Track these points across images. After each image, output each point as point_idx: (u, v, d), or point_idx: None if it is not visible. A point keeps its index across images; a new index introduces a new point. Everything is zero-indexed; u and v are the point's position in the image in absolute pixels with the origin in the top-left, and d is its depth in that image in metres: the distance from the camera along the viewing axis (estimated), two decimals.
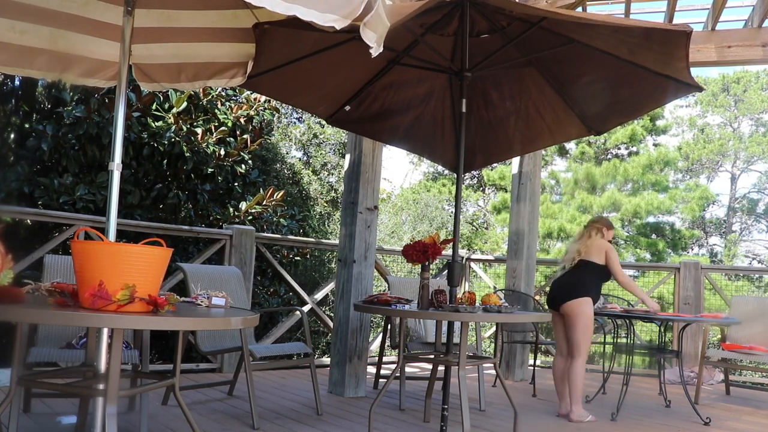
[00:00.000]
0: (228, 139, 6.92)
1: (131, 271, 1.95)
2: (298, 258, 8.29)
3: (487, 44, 3.65)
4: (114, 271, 1.92)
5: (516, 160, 6.07)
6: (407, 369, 5.40)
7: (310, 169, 11.50)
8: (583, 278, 4.30)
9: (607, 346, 5.86)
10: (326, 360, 5.84)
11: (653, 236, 18.18)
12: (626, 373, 4.73)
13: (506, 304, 3.43)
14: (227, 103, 7.09)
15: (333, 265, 9.25)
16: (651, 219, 18.30)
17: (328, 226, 10.77)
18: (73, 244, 2.01)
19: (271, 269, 7.01)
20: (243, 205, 6.97)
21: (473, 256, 7.80)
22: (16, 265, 2.62)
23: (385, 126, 4.37)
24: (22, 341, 2.67)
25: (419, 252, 3.56)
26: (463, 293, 3.47)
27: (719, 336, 5.90)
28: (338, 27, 1.80)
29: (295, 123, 12.17)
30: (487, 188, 21.10)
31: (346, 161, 4.94)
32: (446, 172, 20.68)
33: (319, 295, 6.31)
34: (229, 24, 2.94)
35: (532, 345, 5.66)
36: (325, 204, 11.21)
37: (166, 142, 6.35)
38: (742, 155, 25.98)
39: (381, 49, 1.93)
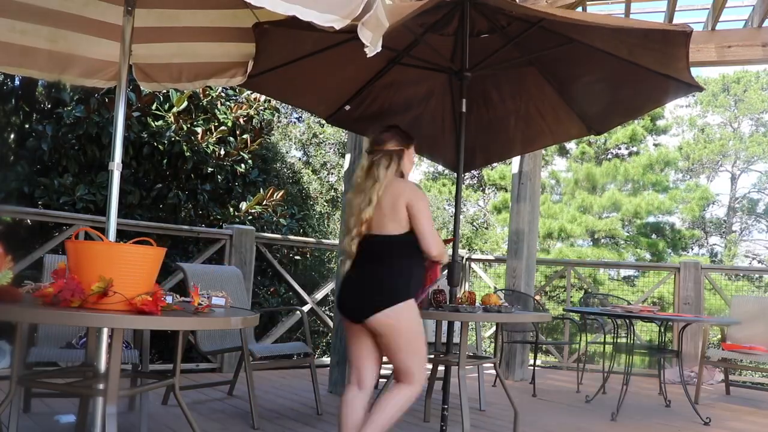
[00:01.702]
0: (228, 138, 6.92)
1: (124, 270, 1.95)
2: (298, 257, 8.29)
3: (487, 44, 3.65)
4: (108, 270, 1.92)
5: (516, 160, 6.07)
6: None
7: (310, 168, 11.50)
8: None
9: (607, 346, 5.86)
10: (326, 360, 5.84)
11: (653, 236, 18.19)
12: (626, 373, 4.73)
13: (506, 304, 3.43)
14: (227, 103, 7.09)
15: (333, 265, 9.25)
16: (651, 219, 18.30)
17: (328, 225, 10.77)
18: (67, 243, 2.02)
19: (271, 269, 7.01)
20: (243, 205, 6.97)
21: (473, 256, 7.80)
22: (16, 265, 2.62)
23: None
24: (21, 341, 2.67)
25: None
26: (463, 293, 3.47)
27: (719, 336, 5.90)
28: (338, 27, 1.80)
29: (294, 123, 12.17)
30: (487, 188, 21.10)
31: (346, 161, 4.93)
32: (446, 171, 20.68)
33: (319, 295, 6.31)
34: (229, 24, 2.94)
35: (532, 345, 5.66)
36: (325, 203, 11.21)
37: (166, 142, 6.35)
38: (742, 155, 25.98)
39: (377, 50, 1.93)
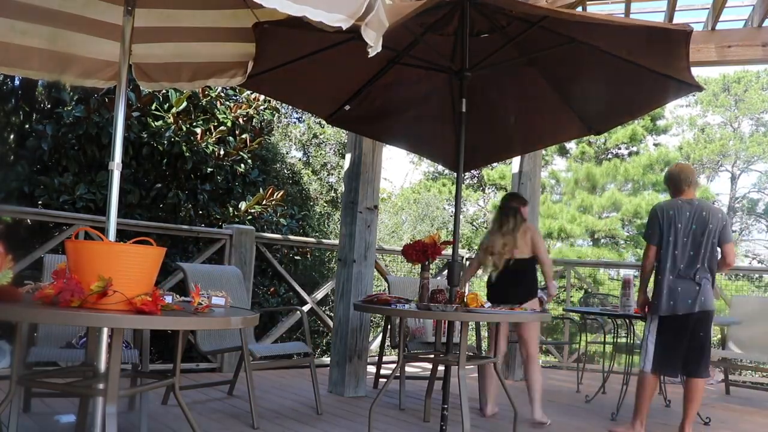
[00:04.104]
0: (227, 138, 6.92)
1: (124, 270, 1.95)
2: (298, 257, 8.28)
3: (487, 44, 3.65)
4: (107, 270, 1.92)
5: (516, 160, 6.06)
6: (407, 369, 5.40)
7: (310, 169, 11.50)
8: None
9: (607, 346, 5.86)
10: (326, 360, 5.84)
11: None
12: (626, 373, 4.74)
13: (489, 305, 3.48)
14: (227, 103, 7.09)
15: (333, 265, 9.25)
16: None
17: (328, 225, 10.77)
18: (67, 243, 2.02)
19: (271, 269, 7.01)
20: (243, 205, 6.96)
21: (474, 256, 7.80)
22: (16, 265, 2.62)
23: (385, 125, 4.37)
24: (21, 341, 2.67)
25: (419, 252, 3.57)
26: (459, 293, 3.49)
27: (719, 336, 5.90)
28: (344, 27, 1.81)
29: (295, 123, 12.17)
30: (487, 188, 21.10)
31: (346, 161, 4.94)
32: (446, 171, 20.68)
33: (319, 295, 6.31)
34: (229, 24, 2.94)
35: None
36: (325, 204, 11.21)
37: (165, 142, 6.35)
38: (742, 155, 25.97)
39: (379, 49, 1.94)
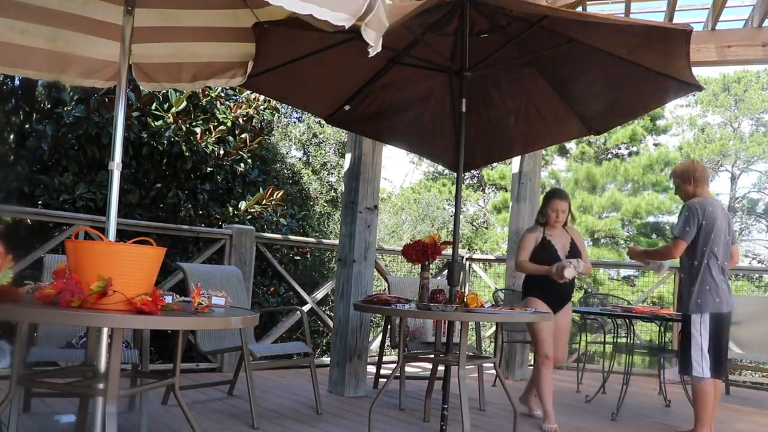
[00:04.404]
0: (227, 138, 6.92)
1: (124, 270, 1.95)
2: (298, 257, 8.28)
3: (487, 44, 3.65)
4: (108, 270, 1.92)
5: (516, 160, 6.07)
6: (407, 369, 5.40)
7: (310, 168, 11.50)
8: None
9: (607, 346, 5.86)
10: (326, 359, 5.84)
11: (653, 236, 18.18)
12: (626, 373, 4.73)
13: (491, 304, 3.48)
14: (227, 103, 7.09)
15: (333, 265, 9.25)
16: (651, 219, 18.29)
17: (328, 225, 10.77)
18: (67, 243, 2.02)
19: (271, 269, 7.01)
20: (242, 205, 6.96)
21: (474, 256, 7.80)
22: (16, 265, 2.62)
23: (385, 125, 4.37)
24: (21, 341, 2.67)
25: (419, 252, 3.57)
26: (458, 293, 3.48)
27: None
28: (347, 26, 1.82)
29: (295, 123, 12.17)
30: (487, 188, 21.10)
31: (346, 161, 4.94)
32: (446, 171, 20.69)
33: (319, 295, 6.31)
34: (229, 24, 2.94)
35: (532, 345, 5.65)
36: (325, 204, 11.21)
37: (165, 142, 6.35)
38: (742, 155, 25.98)
39: (379, 49, 1.95)
